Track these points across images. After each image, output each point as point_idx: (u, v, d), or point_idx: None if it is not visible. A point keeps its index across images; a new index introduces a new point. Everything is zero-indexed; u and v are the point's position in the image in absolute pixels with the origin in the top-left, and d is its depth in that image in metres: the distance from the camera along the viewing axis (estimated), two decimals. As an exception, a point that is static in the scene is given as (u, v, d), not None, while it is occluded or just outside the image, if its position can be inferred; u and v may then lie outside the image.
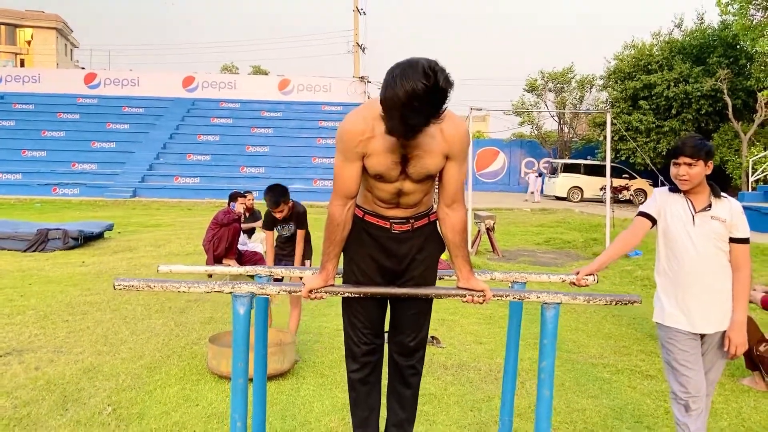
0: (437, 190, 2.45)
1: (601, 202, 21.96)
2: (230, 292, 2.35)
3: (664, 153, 23.54)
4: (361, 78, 29.76)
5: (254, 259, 7.67)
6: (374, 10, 61.29)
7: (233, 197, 7.64)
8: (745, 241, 2.80)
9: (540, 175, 27.37)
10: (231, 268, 2.92)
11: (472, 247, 11.08)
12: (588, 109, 29.29)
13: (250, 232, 8.75)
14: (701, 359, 2.84)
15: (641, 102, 24.82)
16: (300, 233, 4.87)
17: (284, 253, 5.00)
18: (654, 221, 2.94)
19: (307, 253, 5.00)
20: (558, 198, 26.39)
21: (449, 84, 1.98)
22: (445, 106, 2.04)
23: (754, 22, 19.88)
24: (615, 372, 4.62)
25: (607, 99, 27.66)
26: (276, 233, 4.96)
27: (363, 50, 31.75)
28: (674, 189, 2.89)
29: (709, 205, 2.81)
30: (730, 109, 22.37)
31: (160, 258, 9.30)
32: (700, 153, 2.74)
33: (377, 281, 2.46)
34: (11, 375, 4.15)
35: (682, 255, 2.81)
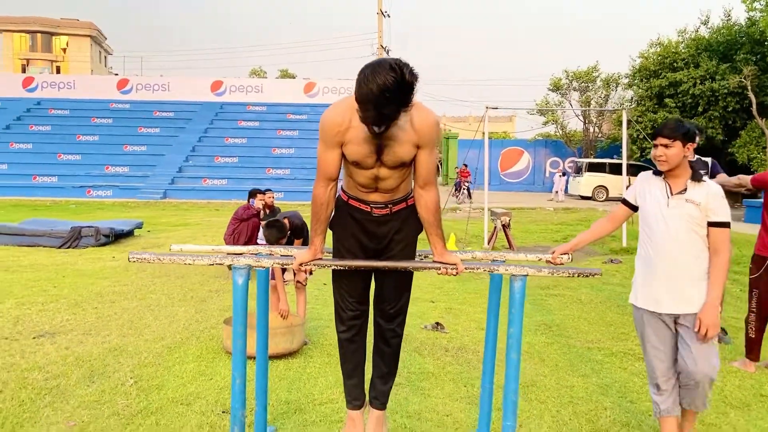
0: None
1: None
2: (230, 265, 2.65)
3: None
4: (385, 80, 30.05)
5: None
6: (398, 12, 61.51)
7: (252, 194, 8.00)
8: (723, 225, 2.84)
9: (564, 174, 27.33)
10: (234, 247, 3.22)
11: (488, 243, 11.31)
12: (612, 108, 29.12)
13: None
14: (671, 341, 2.95)
15: (667, 100, 24.62)
16: (297, 243, 5.14)
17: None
18: (634, 207, 3.09)
19: None
20: (583, 197, 26.32)
21: (414, 77, 2.26)
22: (412, 96, 2.29)
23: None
24: (609, 354, 4.82)
25: (632, 97, 27.50)
26: None
27: (387, 52, 32.09)
28: (657, 172, 3.00)
29: (686, 189, 2.88)
30: (754, 106, 22.10)
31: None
32: (677, 134, 2.84)
33: (361, 258, 2.74)
34: (43, 353, 4.54)
35: (656, 237, 2.93)
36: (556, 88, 30.92)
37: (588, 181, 26.37)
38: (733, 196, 16.38)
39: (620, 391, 4.04)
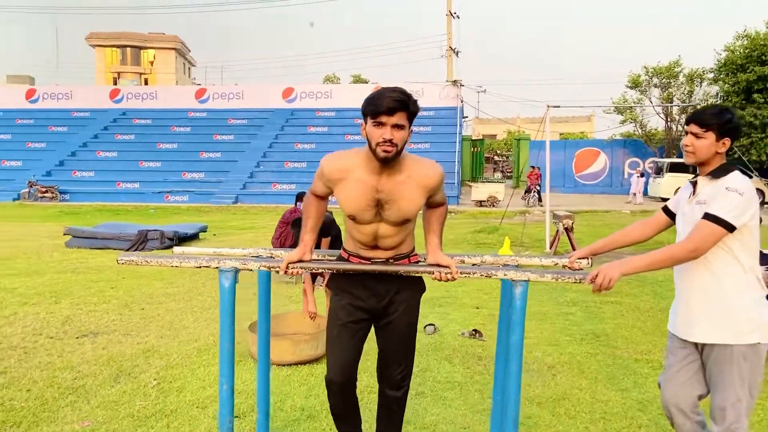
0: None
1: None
2: (216, 267, 2.59)
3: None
4: (454, 82, 29.78)
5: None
6: (468, 13, 60.91)
7: (299, 197, 8.01)
8: (714, 219, 2.28)
9: (642, 175, 26.06)
10: (235, 249, 3.17)
11: (550, 247, 10.87)
12: (695, 104, 27.50)
13: (322, 232, 9.09)
14: (687, 370, 2.51)
15: (755, 95, 23.05)
16: (324, 241, 5.11)
17: None
18: (672, 215, 2.63)
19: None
20: (663, 199, 24.95)
21: (410, 95, 2.41)
22: (415, 107, 2.40)
23: None
24: (657, 368, 4.44)
25: (717, 93, 25.91)
26: None
27: (456, 54, 31.77)
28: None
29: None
30: None
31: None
32: (711, 123, 2.38)
33: (358, 316, 2.61)
34: (80, 353, 4.67)
35: None
36: (634, 85, 29.54)
37: (669, 182, 24.97)
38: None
39: (661, 408, 3.69)
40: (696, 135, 2.44)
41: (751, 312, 2.36)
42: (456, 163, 25.12)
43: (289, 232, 7.53)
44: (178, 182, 25.34)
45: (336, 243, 5.28)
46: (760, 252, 2.69)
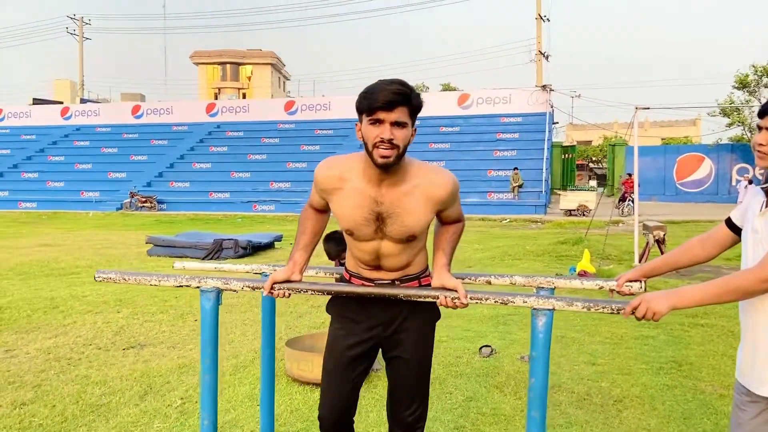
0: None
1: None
2: (197, 287, 2.33)
3: None
4: (543, 87, 28.72)
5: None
6: (558, 16, 59.03)
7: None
8: None
9: (751, 182, 23.89)
10: (237, 266, 2.92)
11: (639, 261, 9.99)
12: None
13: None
14: (747, 426, 1.94)
15: None
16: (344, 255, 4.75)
17: None
18: (737, 229, 2.08)
19: None
20: (777, 208, 22.79)
21: (412, 87, 2.05)
22: (417, 100, 2.04)
23: None
24: (746, 408, 3.77)
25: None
26: None
27: (546, 58, 30.69)
28: None
29: None
30: None
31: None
32: None
33: (360, 347, 2.27)
34: (119, 366, 4.60)
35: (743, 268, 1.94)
36: (742, 85, 27.33)
37: (783, 190, 22.77)
38: None
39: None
40: None
41: None
42: (544, 170, 24.11)
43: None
44: (266, 192, 25.96)
45: None
46: None
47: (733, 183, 27.60)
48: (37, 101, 40.50)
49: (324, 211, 2.38)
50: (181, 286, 2.34)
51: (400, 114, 2.00)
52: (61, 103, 42.51)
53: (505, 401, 3.93)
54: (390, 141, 1.98)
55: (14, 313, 6.33)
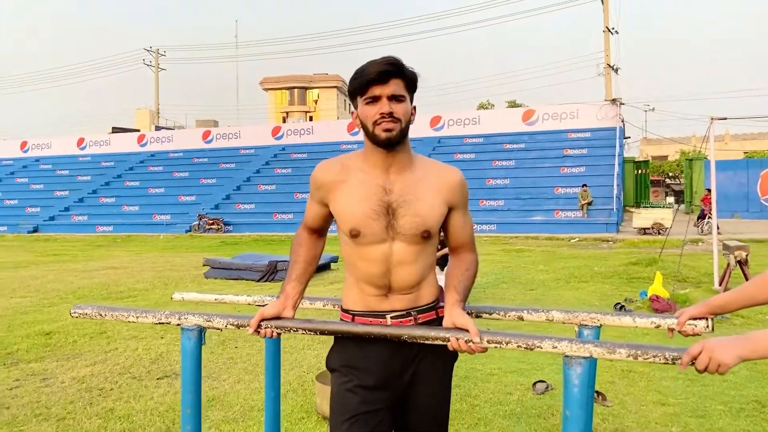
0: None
1: None
2: (177, 324, 2.05)
3: None
4: (613, 100, 27.60)
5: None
6: (626, 28, 57.18)
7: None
8: None
9: None
10: (240, 297, 2.64)
11: (720, 284, 9.13)
12: None
13: (442, 263, 8.39)
14: None
15: None
16: None
17: None
18: None
19: None
20: None
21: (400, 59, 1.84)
22: (413, 74, 1.85)
23: None
24: None
25: None
26: None
27: (615, 71, 29.55)
28: None
29: None
30: None
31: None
32: None
33: (375, 403, 1.87)
34: (148, 398, 4.40)
35: None
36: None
37: None
38: None
39: None
40: None
41: None
42: (615, 186, 22.99)
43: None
44: (328, 213, 25.99)
45: None
46: None
47: (828, 197, 25.50)
48: (116, 129, 42.55)
49: (320, 232, 2.09)
50: (161, 323, 2.07)
51: (395, 87, 1.82)
52: (138, 130, 44.53)
53: (558, 449, 3.45)
54: (390, 114, 1.80)
55: (61, 339, 6.32)
